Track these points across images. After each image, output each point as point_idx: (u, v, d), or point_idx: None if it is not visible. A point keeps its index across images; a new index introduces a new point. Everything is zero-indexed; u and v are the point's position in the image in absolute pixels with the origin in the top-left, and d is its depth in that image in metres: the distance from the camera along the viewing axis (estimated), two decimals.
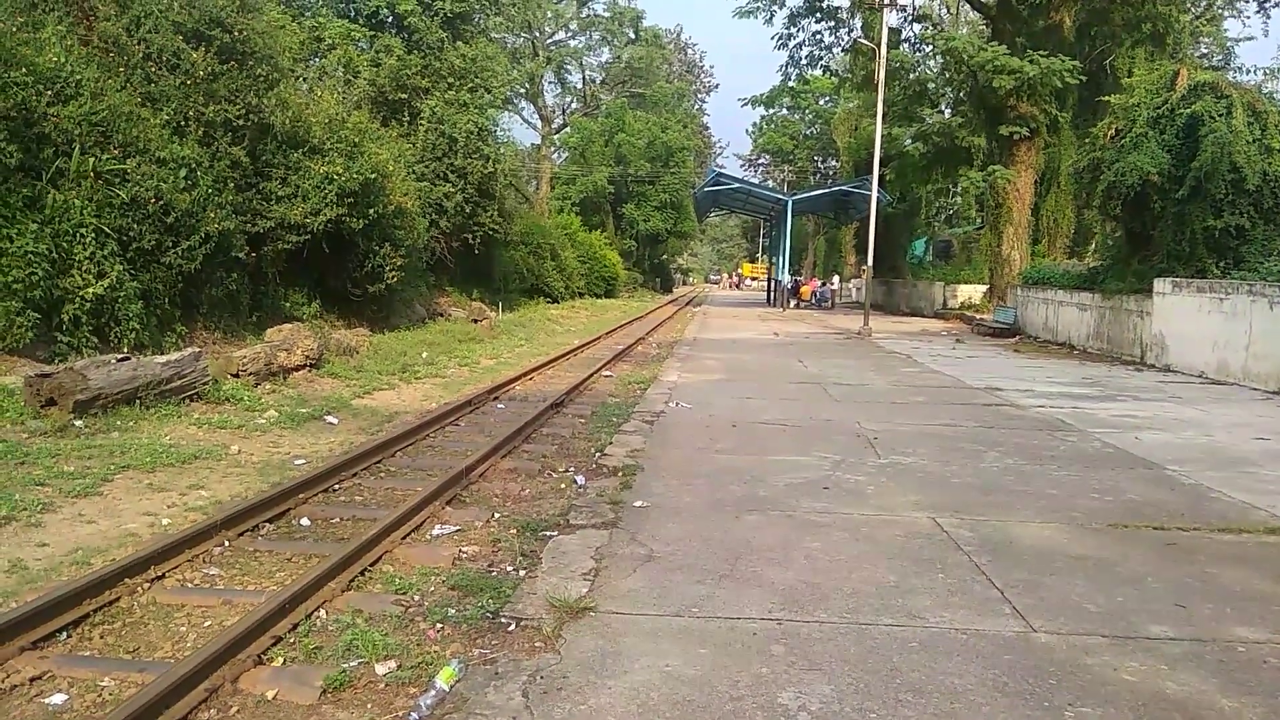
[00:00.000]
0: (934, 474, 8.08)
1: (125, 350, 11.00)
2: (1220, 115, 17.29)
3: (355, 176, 17.18)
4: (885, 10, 28.06)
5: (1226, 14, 39.49)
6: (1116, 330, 20.40)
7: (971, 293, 35.35)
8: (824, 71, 42.07)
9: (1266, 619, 4.86)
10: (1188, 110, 17.81)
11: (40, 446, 8.04)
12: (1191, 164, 17.34)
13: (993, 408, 12.23)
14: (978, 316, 30.23)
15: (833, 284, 51.51)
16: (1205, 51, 40.33)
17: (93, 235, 11.41)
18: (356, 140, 18.46)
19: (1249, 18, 41.79)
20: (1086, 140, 22.53)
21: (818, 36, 37.55)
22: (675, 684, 3.95)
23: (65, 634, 4.59)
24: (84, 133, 12.03)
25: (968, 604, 4.95)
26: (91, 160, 11.90)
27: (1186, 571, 5.59)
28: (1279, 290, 14.80)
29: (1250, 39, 55.55)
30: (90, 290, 11.08)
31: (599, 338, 23.85)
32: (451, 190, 25.95)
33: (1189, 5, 34.60)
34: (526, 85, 60.63)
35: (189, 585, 5.36)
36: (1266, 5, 31.68)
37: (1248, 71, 35.40)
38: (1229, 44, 40.42)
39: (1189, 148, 17.67)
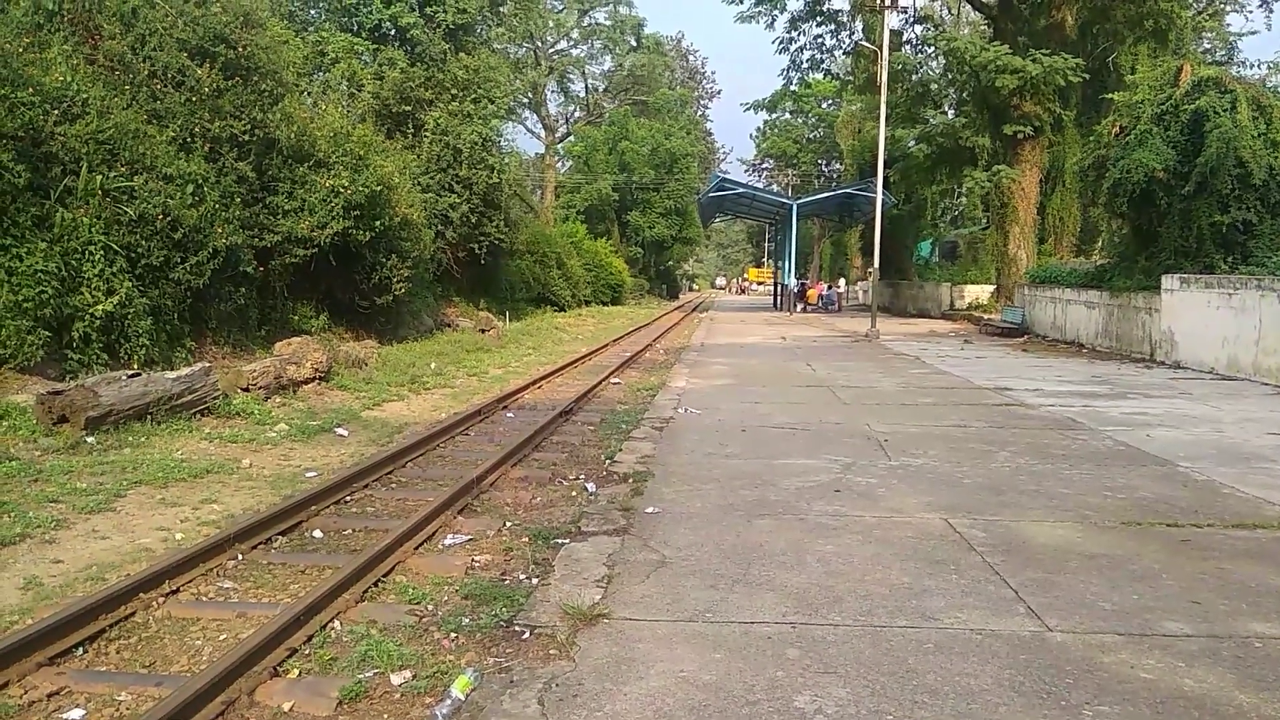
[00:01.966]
0: (945, 475, 8.06)
1: (135, 366, 11.05)
2: (1225, 110, 17.26)
3: (361, 189, 17.24)
4: (886, 12, 28.07)
5: (1229, 9, 39.46)
6: (1125, 328, 20.34)
7: (978, 293, 35.29)
8: (826, 75, 42.13)
9: None
10: (1192, 106, 17.78)
11: (53, 464, 8.07)
12: (1197, 160, 17.30)
13: (1002, 407, 12.21)
14: (985, 317, 30.18)
15: (839, 287, 51.50)
16: (1208, 47, 40.22)
17: (101, 253, 11.46)
18: (361, 153, 18.52)
19: (1251, 12, 41.84)
20: (1091, 138, 22.50)
21: (819, 40, 37.63)
22: (691, 689, 3.94)
23: (81, 649, 4.61)
24: (91, 151, 12.09)
25: (982, 604, 4.94)
26: (99, 178, 11.96)
27: (1201, 568, 5.56)
28: None
29: (1254, 33, 55.39)
30: (100, 307, 11.13)
31: (606, 345, 23.87)
32: (457, 201, 26.03)
33: (1191, 1, 34.56)
34: (529, 95, 60.80)
35: (204, 599, 5.38)
36: None
37: (1251, 66, 35.32)
38: (1232, 39, 40.34)
39: (1194, 144, 17.64)
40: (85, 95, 12.45)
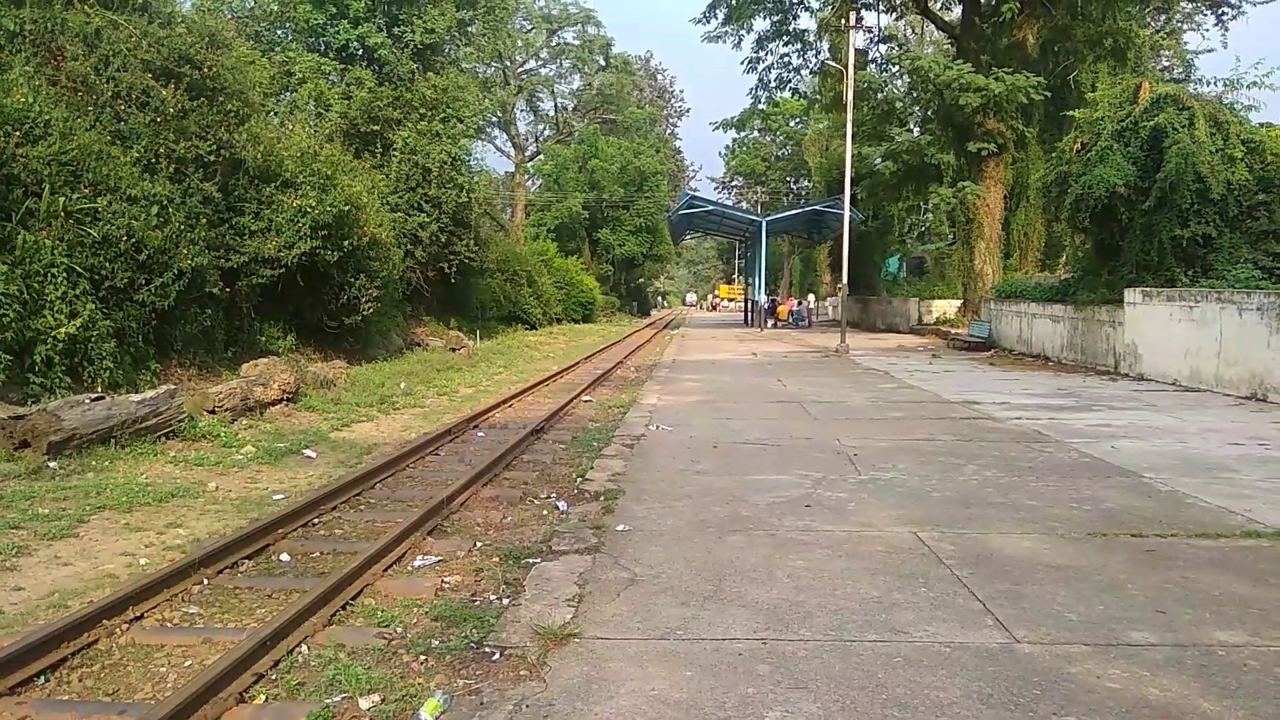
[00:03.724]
0: (914, 489, 8.12)
1: (99, 390, 10.90)
2: (1183, 127, 17.58)
3: (329, 209, 17.15)
4: (851, 32, 28.42)
5: (1186, 27, 40.22)
6: (1090, 341, 20.61)
7: (946, 308, 35.63)
8: (793, 94, 42.47)
9: (1245, 622, 4.91)
10: (1151, 123, 18.10)
11: (14, 489, 7.94)
12: (1157, 175, 17.61)
13: (970, 421, 12.31)
14: (953, 331, 30.46)
15: (809, 303, 51.79)
16: (1166, 65, 40.98)
17: (64, 275, 11.32)
18: (329, 173, 18.45)
19: (1208, 30, 42.68)
20: (1053, 155, 22.84)
21: (786, 59, 37.95)
22: (662, 708, 3.94)
23: (43, 678, 4.52)
24: (54, 172, 11.95)
25: (951, 617, 4.97)
26: (62, 200, 11.82)
27: (1166, 578, 5.63)
28: (1247, 297, 15.02)
29: (1210, 51, 56.46)
30: (62, 330, 10.97)
31: (578, 363, 23.85)
32: (426, 220, 25.96)
33: (1149, 20, 35.22)
34: (498, 114, 60.87)
35: (168, 625, 5.30)
36: (1224, 18, 32.29)
37: (1208, 83, 35.86)
38: (1189, 57, 41.09)
39: (1154, 159, 17.95)
40: (48, 116, 12.31)
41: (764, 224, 42.98)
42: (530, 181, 66.75)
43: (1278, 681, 4.17)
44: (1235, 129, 17.92)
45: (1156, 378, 17.37)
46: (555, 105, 69.56)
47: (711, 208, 45.10)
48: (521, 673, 4.33)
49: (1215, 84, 34.75)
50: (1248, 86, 24.31)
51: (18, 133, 11.72)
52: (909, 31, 46.97)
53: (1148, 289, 17.89)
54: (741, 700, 4.00)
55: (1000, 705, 3.94)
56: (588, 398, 16.07)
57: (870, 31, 34.58)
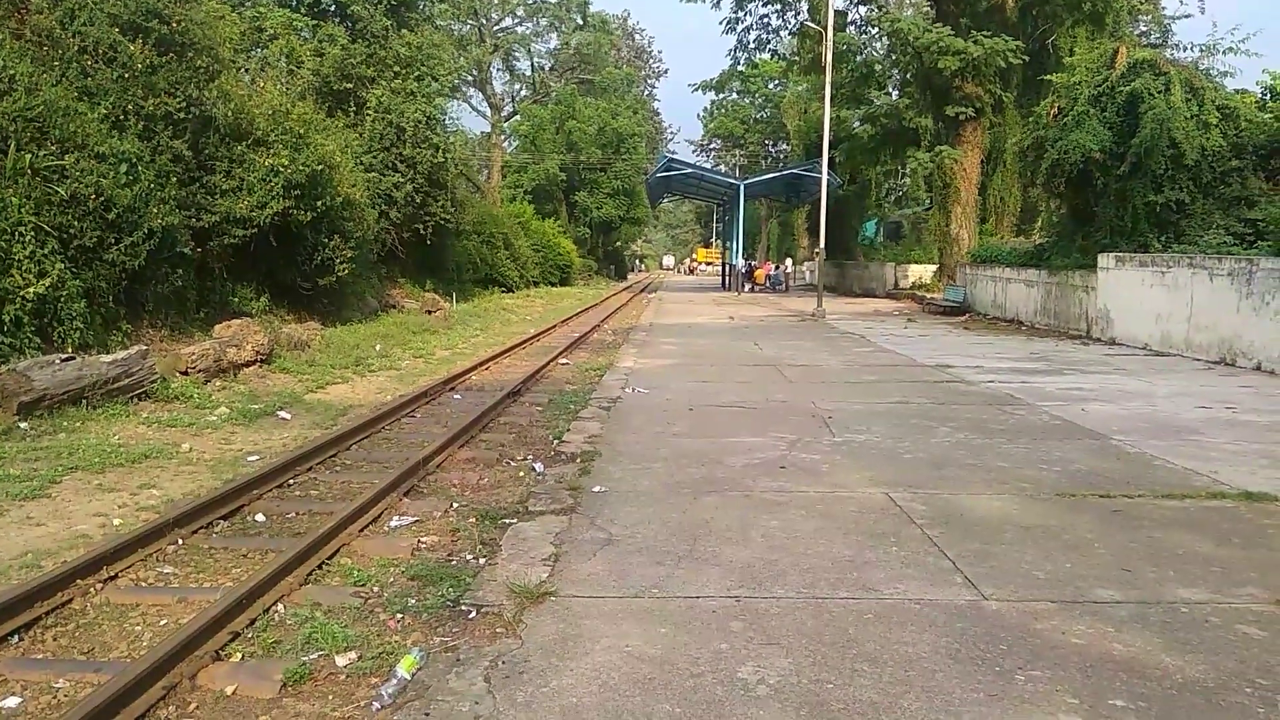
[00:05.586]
0: (887, 450, 8.20)
1: (69, 350, 10.76)
2: (1159, 92, 17.65)
3: (301, 168, 16.93)
4: None
5: None
6: (1063, 305, 20.79)
7: (922, 272, 35.78)
8: (772, 55, 42.26)
9: (1208, 580, 5.01)
10: (1127, 88, 18.16)
11: None
12: (1132, 141, 17.70)
13: (943, 384, 12.42)
14: (928, 296, 30.63)
15: (786, 267, 51.87)
16: (1144, 29, 40.92)
17: (32, 234, 11.12)
18: (302, 131, 18.17)
19: None
20: (1030, 119, 22.89)
21: (765, 20, 37.73)
22: (636, 663, 3.99)
23: (17, 637, 4.52)
24: (19, 129, 11.71)
25: (921, 575, 5.05)
26: (28, 157, 11.59)
27: (1132, 537, 5.74)
28: (1218, 263, 15.17)
29: (1188, 16, 56.44)
30: (31, 290, 10.80)
31: (555, 326, 23.81)
32: (401, 180, 25.69)
33: None
34: (474, 73, 60.18)
35: (143, 584, 5.30)
36: None
37: (1185, 49, 35.82)
38: (1166, 21, 41.04)
39: (1129, 125, 18.03)
40: (12, 71, 12.04)
41: (742, 187, 42.89)
42: (507, 143, 66.11)
43: (1238, 637, 4.27)
44: (1210, 95, 18.01)
45: (1128, 342, 17.56)
46: (532, 65, 68.82)
47: (689, 170, 44.90)
48: (498, 630, 4.36)
49: (1192, 49, 34.77)
50: (1224, 52, 24.36)
51: None
52: None
53: (1121, 254, 18.04)
54: (715, 655, 4.05)
55: (968, 660, 4.01)
56: (565, 360, 16.07)
57: None
